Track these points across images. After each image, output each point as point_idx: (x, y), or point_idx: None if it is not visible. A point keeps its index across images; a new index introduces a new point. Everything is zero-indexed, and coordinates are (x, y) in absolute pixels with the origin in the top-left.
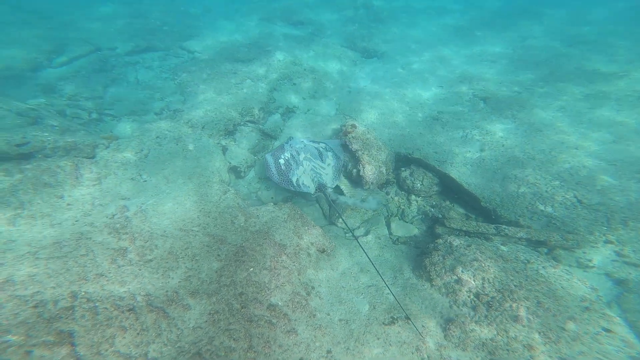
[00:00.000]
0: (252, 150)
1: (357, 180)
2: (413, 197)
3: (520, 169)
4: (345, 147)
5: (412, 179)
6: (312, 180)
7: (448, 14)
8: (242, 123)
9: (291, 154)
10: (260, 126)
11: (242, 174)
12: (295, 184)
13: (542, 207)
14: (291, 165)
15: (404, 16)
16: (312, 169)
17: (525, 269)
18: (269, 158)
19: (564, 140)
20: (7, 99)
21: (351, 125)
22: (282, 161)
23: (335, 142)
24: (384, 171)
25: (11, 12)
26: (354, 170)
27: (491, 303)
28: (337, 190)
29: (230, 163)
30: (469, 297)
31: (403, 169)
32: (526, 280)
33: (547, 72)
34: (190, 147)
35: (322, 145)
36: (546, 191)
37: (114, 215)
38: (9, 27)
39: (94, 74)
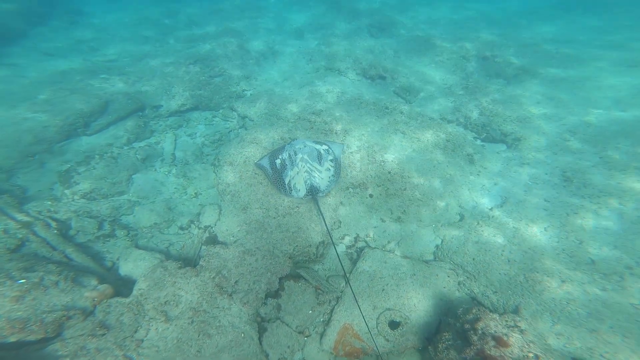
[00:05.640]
0: (301, 326)
1: None
2: None
3: None
4: None
5: None
6: (305, 182)
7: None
8: (292, 273)
9: (289, 154)
10: (316, 282)
11: None
12: (287, 186)
13: None
14: (286, 165)
15: (556, 71)
16: (306, 171)
17: None
18: (266, 160)
19: None
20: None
21: (495, 342)
22: (278, 161)
23: (338, 148)
24: None
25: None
26: None
27: None
28: None
29: (267, 356)
30: None
31: None
32: None
33: None
34: (212, 330)
35: (325, 147)
36: None
37: None
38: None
39: (125, 149)
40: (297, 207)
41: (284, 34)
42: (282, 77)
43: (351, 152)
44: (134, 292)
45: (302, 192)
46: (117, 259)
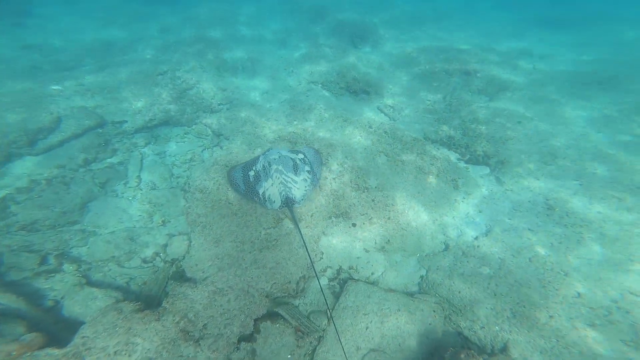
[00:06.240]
0: None
1: None
2: None
3: None
4: None
5: None
6: (280, 193)
7: None
8: (270, 311)
9: (263, 165)
10: (296, 321)
11: None
12: (261, 197)
13: None
14: (260, 177)
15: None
16: (281, 182)
17: None
18: (239, 171)
19: None
20: None
21: None
22: (252, 173)
23: (315, 156)
24: None
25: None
26: None
27: None
28: None
29: None
30: None
31: None
32: None
33: None
34: None
35: (300, 156)
36: None
37: None
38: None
39: (80, 172)
40: (275, 240)
41: (264, 43)
42: (261, 91)
43: (334, 178)
44: (75, 340)
45: (277, 204)
46: (62, 298)
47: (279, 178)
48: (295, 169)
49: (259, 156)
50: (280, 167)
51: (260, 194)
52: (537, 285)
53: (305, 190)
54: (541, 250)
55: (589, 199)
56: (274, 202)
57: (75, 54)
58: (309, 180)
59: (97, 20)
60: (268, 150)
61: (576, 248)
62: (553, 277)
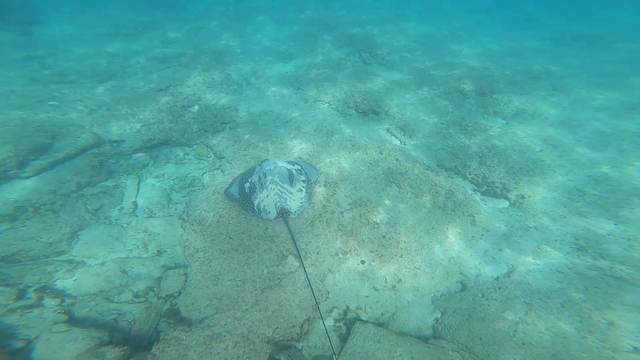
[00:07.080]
0: None
1: None
2: None
3: None
4: None
5: None
6: (275, 204)
7: None
8: (271, 357)
9: (258, 177)
10: None
11: None
12: (256, 208)
13: None
14: (255, 188)
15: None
16: (276, 194)
17: None
18: (235, 186)
19: None
20: None
21: None
22: (247, 185)
23: (311, 168)
24: None
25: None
26: None
27: None
28: None
29: None
30: None
31: None
32: None
33: None
34: None
35: (297, 167)
36: None
37: None
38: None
39: (72, 197)
40: (278, 279)
41: (270, 58)
42: (266, 109)
43: (342, 212)
44: None
45: (273, 215)
46: (35, 338)
47: (274, 189)
48: (291, 180)
49: (255, 167)
50: (275, 178)
51: (255, 205)
52: (575, 335)
53: (301, 202)
54: (575, 295)
55: (627, 240)
56: (269, 212)
57: (78, 66)
58: (304, 191)
59: (103, 30)
60: (264, 161)
61: (618, 293)
62: (594, 326)
